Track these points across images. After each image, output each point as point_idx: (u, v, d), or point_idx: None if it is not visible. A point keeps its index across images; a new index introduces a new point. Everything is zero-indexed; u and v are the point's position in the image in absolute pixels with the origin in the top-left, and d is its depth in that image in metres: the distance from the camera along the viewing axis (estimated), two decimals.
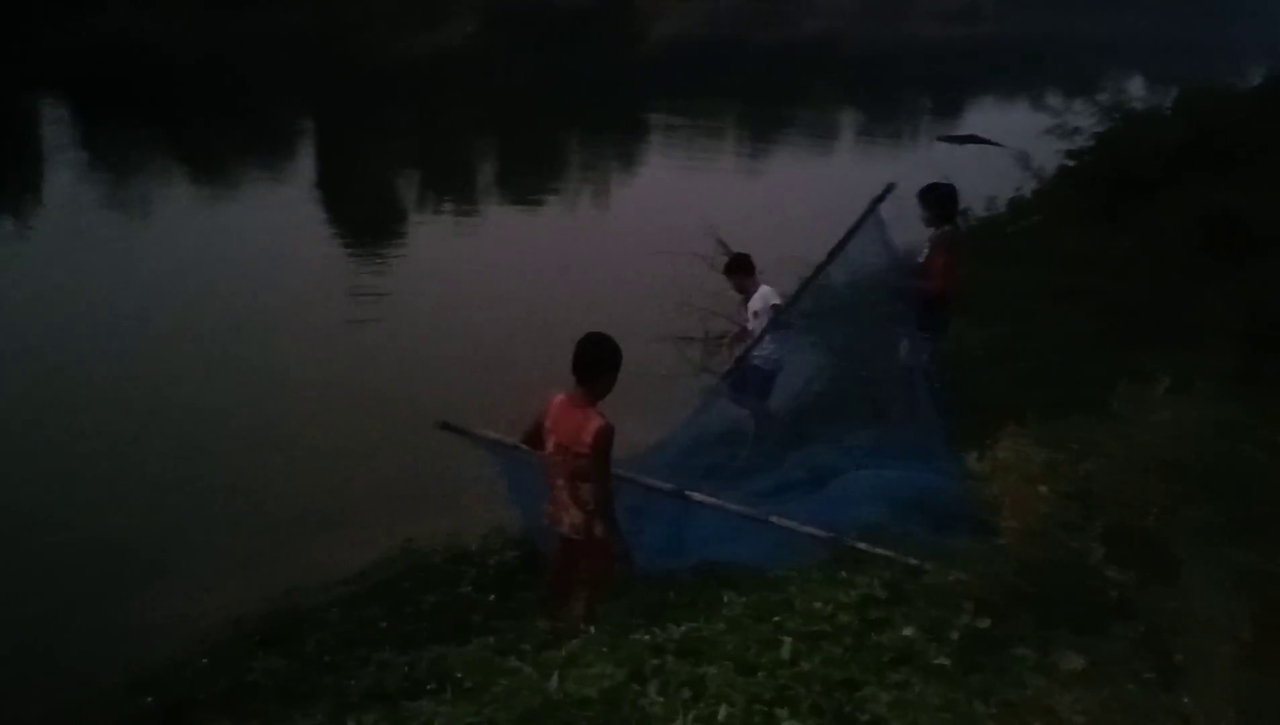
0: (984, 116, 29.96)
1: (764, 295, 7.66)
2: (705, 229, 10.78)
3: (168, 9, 31.74)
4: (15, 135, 20.70)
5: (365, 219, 16.15)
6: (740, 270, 7.82)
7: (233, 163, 19.65)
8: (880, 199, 6.59)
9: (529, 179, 19.88)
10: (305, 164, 20.72)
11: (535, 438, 4.83)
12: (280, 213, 15.89)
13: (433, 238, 15.23)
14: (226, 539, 6.73)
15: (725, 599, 4.68)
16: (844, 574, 4.62)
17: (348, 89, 27.74)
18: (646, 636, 4.38)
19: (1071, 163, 13.30)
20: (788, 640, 4.07)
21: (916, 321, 7.23)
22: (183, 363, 9.45)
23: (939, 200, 7.05)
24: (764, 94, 33.66)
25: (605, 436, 4.49)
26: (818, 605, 4.26)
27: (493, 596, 5.41)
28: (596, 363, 4.59)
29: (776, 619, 4.32)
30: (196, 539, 6.63)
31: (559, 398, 4.67)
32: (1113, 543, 4.29)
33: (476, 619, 5.24)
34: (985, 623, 4.00)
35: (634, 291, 11.51)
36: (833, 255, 6.70)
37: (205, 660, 4.96)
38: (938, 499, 5.38)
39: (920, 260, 7.16)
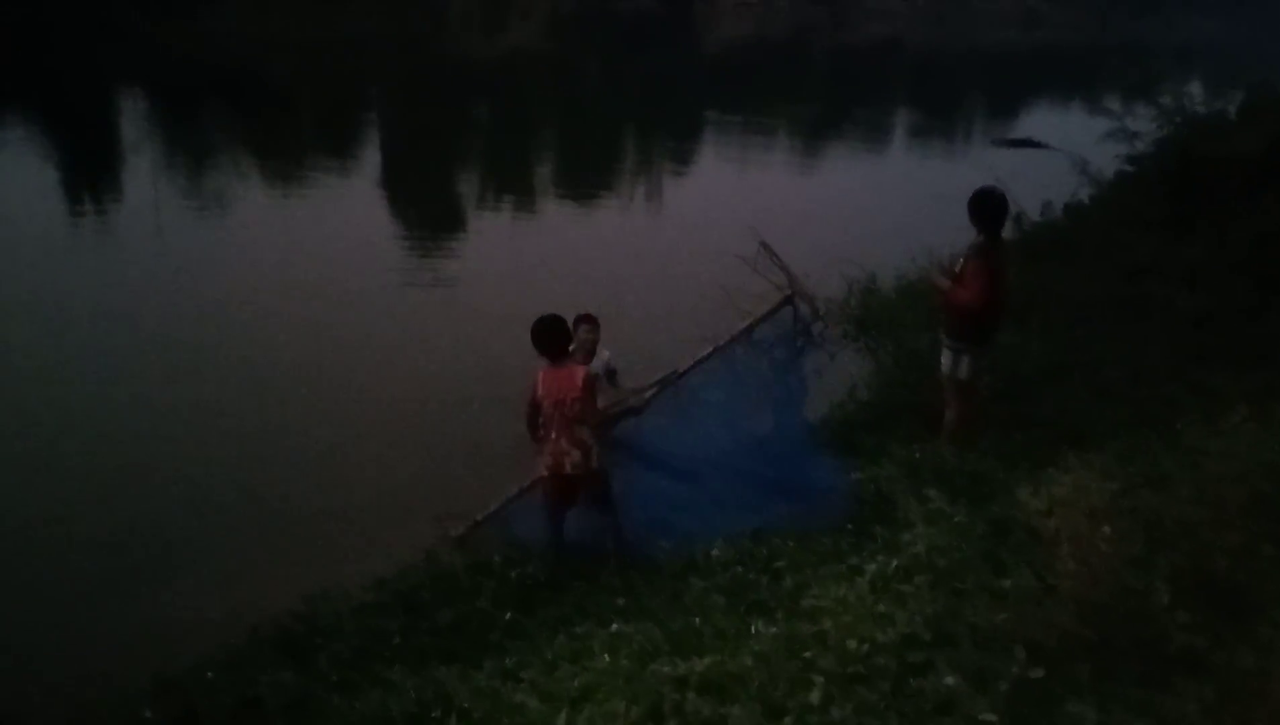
0: (1040, 121, 29.22)
1: (605, 359, 7.53)
2: (751, 232, 10.42)
3: (255, 13, 32.35)
4: (108, 130, 21.15)
5: (430, 216, 16.06)
6: (588, 323, 7.54)
7: (310, 159, 19.85)
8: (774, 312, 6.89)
9: (587, 178, 19.71)
10: (376, 161, 20.80)
11: (534, 409, 5.71)
12: (352, 208, 15.98)
13: (491, 236, 15.05)
14: (254, 538, 6.54)
15: (754, 629, 4.38)
16: (883, 609, 4.29)
17: (421, 90, 27.85)
18: (668, 667, 4.09)
19: (1131, 168, 12.76)
20: (819, 682, 3.76)
21: (954, 332, 6.88)
22: (211, 358, 9.29)
23: (983, 207, 6.68)
24: (821, 97, 33.19)
25: (590, 380, 5.77)
26: (853, 645, 3.94)
27: (510, 614, 5.14)
28: (561, 337, 5.79)
29: (808, 655, 4.01)
30: (222, 538, 6.45)
31: (541, 371, 5.70)
32: (1182, 587, 3.91)
33: (493, 637, 5.00)
34: (1038, 672, 3.65)
35: (678, 292, 11.18)
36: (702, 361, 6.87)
37: (211, 674, 4.75)
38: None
39: (956, 268, 6.80)
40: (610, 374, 7.57)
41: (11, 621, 5.41)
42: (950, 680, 3.67)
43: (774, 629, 4.28)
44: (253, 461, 7.34)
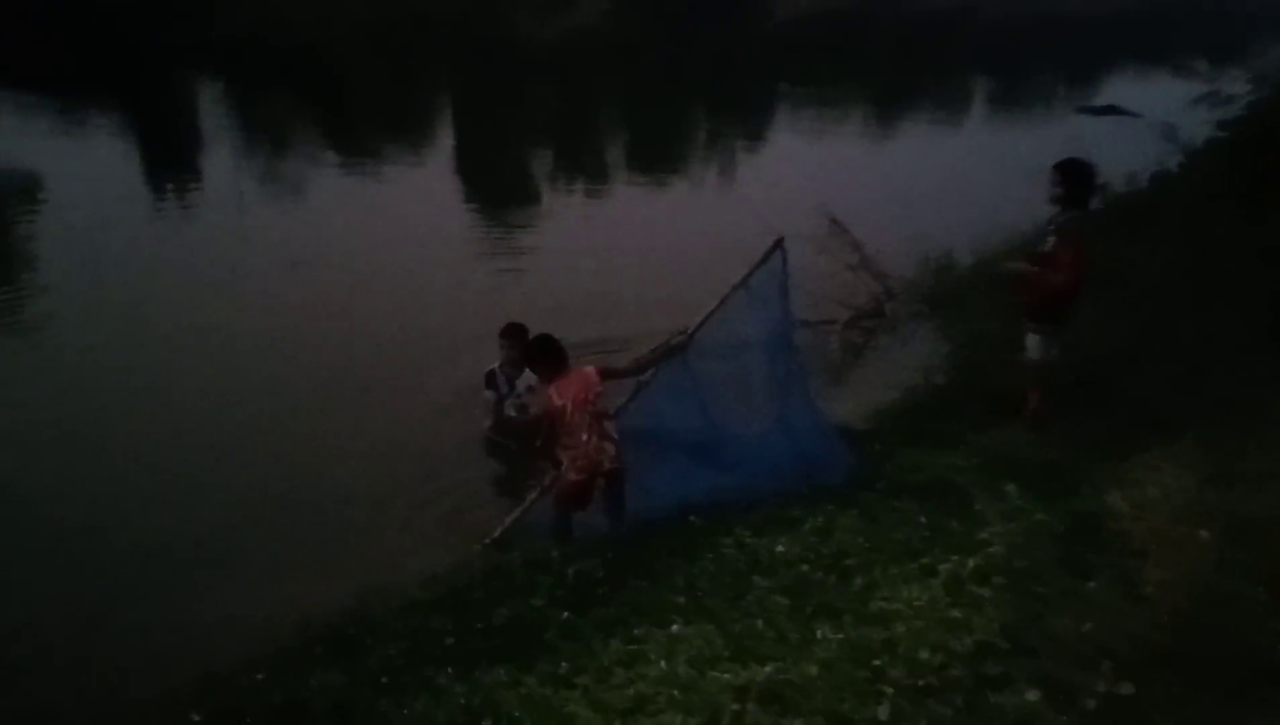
0: (1124, 87, 28.08)
1: (527, 381, 7.36)
2: (819, 211, 10.14)
3: None
4: (181, 112, 21.45)
5: (498, 197, 15.95)
6: (518, 338, 7.28)
7: (379, 138, 19.98)
8: (768, 256, 6.44)
9: (654, 156, 19.49)
10: (445, 139, 20.85)
11: (553, 421, 5.69)
12: (421, 186, 16.05)
13: (559, 214, 14.91)
14: (310, 534, 6.47)
15: (819, 634, 4.15)
16: (958, 614, 4.02)
17: (486, 69, 27.85)
18: (728, 675, 3.89)
19: (1224, 134, 12.05)
20: (889, 694, 3.53)
21: (1039, 315, 6.51)
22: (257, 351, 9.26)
23: (1077, 179, 6.27)
24: (894, 67, 32.39)
25: (601, 372, 5.81)
26: (925, 654, 3.69)
27: (566, 613, 4.97)
28: (556, 351, 5.82)
29: (877, 664, 3.78)
30: (276, 535, 6.38)
31: (551, 387, 5.72)
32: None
33: (548, 637, 4.81)
34: (1127, 688, 3.37)
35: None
36: (711, 314, 6.40)
37: (260, 674, 4.66)
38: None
39: (1045, 250, 6.40)
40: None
41: (59, 625, 5.39)
42: (1031, 695, 3.41)
43: (840, 634, 4.06)
44: (304, 455, 7.27)
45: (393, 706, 4.29)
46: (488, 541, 5.92)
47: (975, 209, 12.73)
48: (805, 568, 4.88)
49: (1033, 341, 6.57)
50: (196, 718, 4.27)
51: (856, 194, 13.66)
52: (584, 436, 5.64)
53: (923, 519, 5.26)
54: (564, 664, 4.42)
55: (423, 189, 15.96)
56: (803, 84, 27.97)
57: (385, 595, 5.45)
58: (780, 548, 5.09)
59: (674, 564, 5.31)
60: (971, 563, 4.39)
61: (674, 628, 4.52)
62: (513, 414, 7.53)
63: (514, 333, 7.32)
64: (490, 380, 7.58)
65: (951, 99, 28.04)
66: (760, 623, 4.38)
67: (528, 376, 7.34)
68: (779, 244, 6.49)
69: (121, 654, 5.11)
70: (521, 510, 6.05)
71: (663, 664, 4.07)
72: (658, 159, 19.07)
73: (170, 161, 17.17)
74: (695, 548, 5.41)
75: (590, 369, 5.81)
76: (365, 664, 4.73)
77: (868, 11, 43.03)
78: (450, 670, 4.52)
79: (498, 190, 16.46)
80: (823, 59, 33.12)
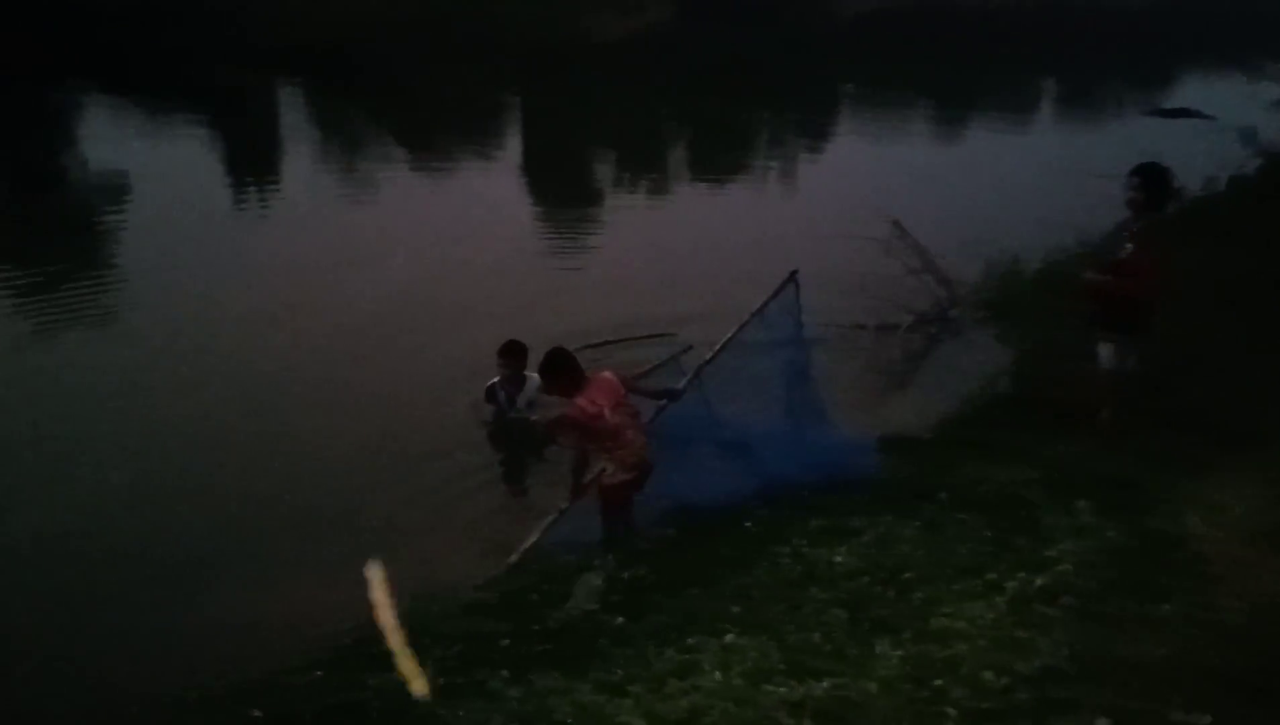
0: (1196, 89, 27.28)
1: (535, 383, 7.32)
2: (883, 214, 9.98)
3: None
4: (261, 114, 21.93)
5: (562, 194, 16.06)
6: (516, 357, 7.42)
7: (445, 136, 20.26)
8: (781, 289, 6.54)
9: (716, 155, 19.39)
10: (512, 139, 21.07)
11: (591, 428, 5.64)
12: (488, 185, 16.18)
13: (621, 214, 14.85)
14: (368, 529, 6.52)
15: (878, 650, 4.05)
16: (1023, 634, 3.90)
17: (552, 67, 28.01)
18: (783, 689, 3.81)
19: None
20: (950, 716, 3.43)
21: (1114, 324, 6.33)
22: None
23: (1155, 184, 6.07)
24: (959, 66, 31.80)
25: (620, 376, 5.90)
26: (989, 676, 3.58)
27: (620, 619, 4.93)
28: (573, 364, 5.82)
29: (938, 684, 3.67)
30: (328, 529, 6.43)
31: (576, 404, 5.65)
32: None
33: (601, 643, 4.77)
34: (1203, 719, 3.23)
35: (807, 275, 10.74)
36: (725, 344, 6.54)
37: (320, 673, 4.69)
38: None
39: (1122, 257, 6.21)
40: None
41: (123, 616, 5.48)
42: (1099, 723, 3.28)
43: (900, 651, 3.95)
44: (368, 452, 7.32)
45: (447, 709, 4.27)
46: (514, 559, 5.85)
47: (1042, 213, 12.48)
48: (864, 580, 4.78)
49: (1106, 351, 6.39)
50: (258, 714, 4.31)
51: (920, 196, 13.44)
52: (630, 434, 5.71)
53: (987, 533, 5.12)
54: (617, 671, 4.38)
55: (489, 188, 16.07)
56: (865, 84, 27.62)
57: (442, 598, 5.47)
58: (838, 558, 5.00)
59: (728, 572, 5.24)
60: (1039, 581, 4.26)
61: (728, 638, 4.45)
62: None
63: (513, 351, 7.42)
64: (490, 396, 7.60)
65: (1017, 99, 27.48)
66: (817, 636, 4.29)
67: (528, 392, 7.45)
68: (792, 277, 6.59)
69: (183, 649, 5.18)
70: (549, 523, 5.97)
71: (717, 675, 4.01)
72: (720, 160, 18.96)
73: (249, 161, 17.52)
74: (750, 556, 5.34)
75: (608, 374, 5.88)
76: (421, 666, 4.73)
77: (932, 9, 42.38)
78: (504, 674, 4.50)
79: (561, 189, 16.50)
80: (885, 59, 32.66)
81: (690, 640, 4.48)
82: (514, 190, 16.16)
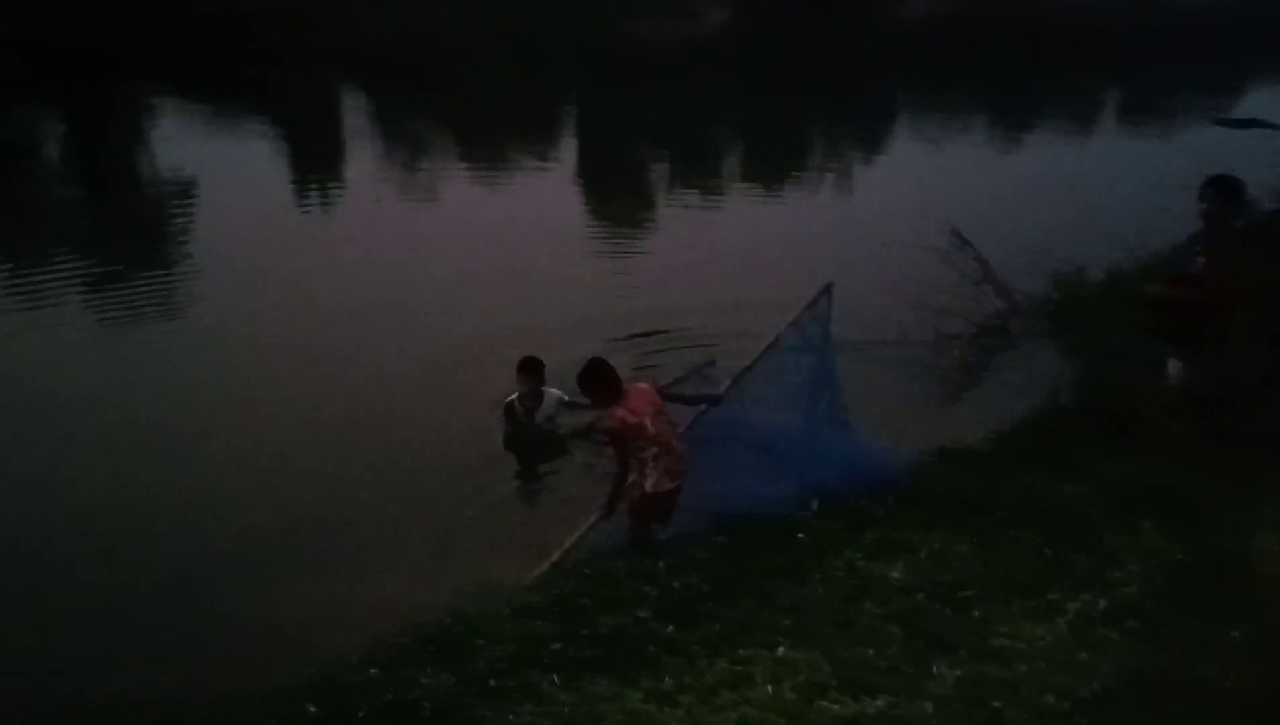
0: (1265, 98, 26.59)
1: (555, 398, 7.49)
2: (942, 222, 9.84)
3: None
4: (324, 115, 22.35)
5: (616, 197, 16.13)
6: (534, 373, 7.42)
7: (502, 140, 20.42)
8: (817, 300, 6.59)
9: (773, 161, 19.30)
10: (567, 142, 21.25)
11: (629, 439, 5.70)
12: (544, 188, 16.34)
13: (675, 218, 14.88)
14: (422, 526, 6.57)
15: (935, 669, 3.98)
16: (1085, 657, 3.81)
17: (608, 71, 28.18)
18: (836, 706, 3.77)
19: None
20: None
21: (1182, 338, 6.18)
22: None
23: (1230, 197, 5.92)
24: (1019, 72, 31.34)
25: (657, 386, 6.10)
26: (1050, 699, 3.51)
27: (671, 627, 4.90)
28: (612, 374, 5.87)
29: (996, 705, 3.60)
30: (389, 527, 6.50)
31: (616, 412, 5.70)
32: None
33: (651, 651, 4.75)
34: None
35: (864, 284, 10.60)
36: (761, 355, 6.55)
37: (374, 671, 4.72)
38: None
39: (1193, 270, 6.06)
40: (568, 404, 7.49)
41: (179, 615, 5.58)
42: None
43: (958, 671, 3.88)
44: (426, 450, 7.39)
45: (498, 711, 4.29)
46: (553, 561, 5.86)
47: (1106, 223, 12.25)
48: (920, 596, 4.71)
49: (1174, 366, 6.23)
50: (313, 709, 4.35)
51: (980, 205, 13.24)
52: (673, 442, 5.81)
53: (1047, 551, 5.02)
54: (668, 679, 4.36)
55: (545, 190, 16.20)
56: (923, 90, 27.31)
57: (494, 597, 5.50)
58: (894, 574, 4.93)
59: (781, 583, 5.20)
60: (1102, 603, 4.17)
61: (780, 650, 4.41)
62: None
63: (532, 367, 7.44)
64: (509, 413, 7.61)
65: (1081, 107, 26.96)
66: (871, 652, 4.24)
67: (547, 406, 7.48)
68: (828, 289, 6.62)
69: (240, 644, 5.27)
70: (586, 529, 5.99)
71: (769, 688, 3.98)
72: (775, 166, 18.85)
73: (312, 161, 17.85)
74: (803, 568, 5.29)
75: (645, 385, 6.02)
76: (474, 666, 4.75)
77: (992, 16, 41.79)
78: (555, 678, 4.51)
79: (615, 193, 16.54)
80: (943, 65, 32.26)
81: (742, 651, 4.44)
82: (567, 194, 16.24)
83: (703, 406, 6.39)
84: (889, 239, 10.61)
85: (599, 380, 5.86)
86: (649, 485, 5.82)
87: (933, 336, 9.15)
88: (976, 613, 4.49)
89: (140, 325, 9.89)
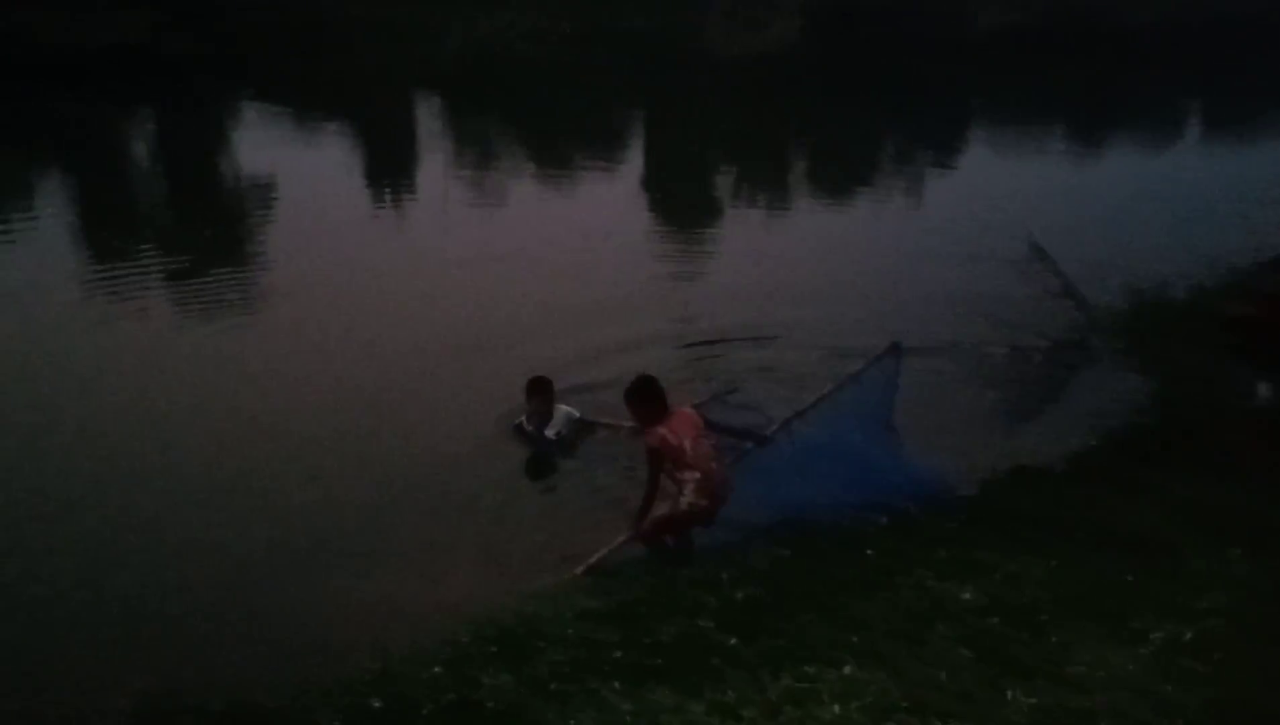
0: None
1: (565, 414, 7.45)
2: (1020, 234, 9.63)
3: (529, 10, 34.14)
4: (399, 123, 22.79)
5: (685, 213, 15.98)
6: (544, 393, 7.41)
7: (573, 149, 20.55)
8: (880, 358, 6.58)
9: (844, 172, 19.07)
10: (635, 152, 21.29)
11: (665, 460, 5.72)
12: (608, 196, 16.45)
13: (743, 231, 14.76)
14: (483, 527, 6.59)
15: (1009, 695, 3.86)
16: (1169, 688, 3.66)
17: (680, 86, 28.21)
18: None
19: None
20: None
21: (1273, 359, 5.94)
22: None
23: None
24: (1099, 82, 30.58)
25: (696, 411, 6.06)
26: None
27: (734, 639, 4.83)
28: (659, 393, 5.89)
29: None
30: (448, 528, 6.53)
31: (658, 431, 5.74)
32: None
33: (714, 662, 4.68)
34: None
35: (937, 297, 10.41)
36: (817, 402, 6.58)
37: (438, 669, 4.73)
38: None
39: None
40: (580, 423, 7.49)
41: (246, 608, 5.64)
42: None
43: (1033, 699, 3.76)
44: (481, 452, 7.42)
45: (559, 715, 4.27)
46: (580, 571, 5.80)
47: (1188, 238, 11.86)
48: (994, 619, 4.57)
49: (1264, 387, 6.00)
50: (377, 704, 4.39)
51: (1059, 218, 12.92)
52: (713, 465, 5.81)
53: (1128, 577, 4.84)
54: (730, 692, 4.29)
55: (610, 198, 16.27)
56: (999, 102, 26.80)
57: (558, 601, 5.48)
58: (966, 595, 4.79)
59: (848, 600, 5.09)
60: (1187, 633, 4.00)
61: (847, 669, 4.32)
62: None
63: (541, 387, 7.42)
64: (519, 432, 7.56)
65: (1161, 118, 26.23)
66: (942, 675, 4.12)
67: (557, 423, 7.42)
68: (893, 348, 6.65)
69: (305, 637, 5.31)
70: (619, 544, 5.93)
71: (835, 708, 3.89)
72: (848, 176, 18.63)
73: (386, 167, 18.18)
74: (872, 585, 5.18)
75: (686, 410, 6.01)
76: (535, 669, 4.74)
77: (1071, 26, 40.87)
78: (616, 685, 4.47)
79: (681, 203, 16.49)
80: (1021, 75, 31.61)
81: (807, 668, 4.36)
82: (634, 202, 16.25)
83: (748, 444, 6.34)
84: (964, 251, 10.42)
85: (645, 398, 5.90)
86: (684, 503, 5.81)
87: (1008, 351, 8.93)
88: (1054, 638, 4.35)
89: (212, 321, 10.09)
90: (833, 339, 8.90)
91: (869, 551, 5.50)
